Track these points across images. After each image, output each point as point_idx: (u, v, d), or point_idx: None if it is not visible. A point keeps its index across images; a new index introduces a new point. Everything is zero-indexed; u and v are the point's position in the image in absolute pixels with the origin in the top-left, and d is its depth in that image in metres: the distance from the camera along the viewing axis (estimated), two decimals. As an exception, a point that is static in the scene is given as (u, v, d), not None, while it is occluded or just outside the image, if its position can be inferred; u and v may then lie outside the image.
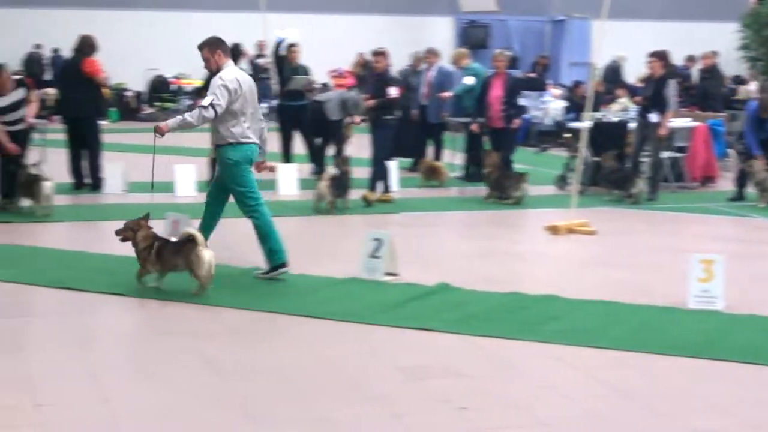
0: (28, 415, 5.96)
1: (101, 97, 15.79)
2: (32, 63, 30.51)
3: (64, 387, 6.52)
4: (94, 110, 14.95)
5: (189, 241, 8.96)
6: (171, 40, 31.56)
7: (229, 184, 9.82)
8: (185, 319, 8.28)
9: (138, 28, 31.12)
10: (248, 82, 9.77)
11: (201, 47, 9.82)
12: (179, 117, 9.85)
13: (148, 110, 30.18)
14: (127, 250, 10.63)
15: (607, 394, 6.58)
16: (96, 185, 15.09)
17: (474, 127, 16.10)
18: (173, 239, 9.34)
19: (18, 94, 13.02)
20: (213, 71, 9.87)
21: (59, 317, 8.26)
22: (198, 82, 27.16)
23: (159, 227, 10.72)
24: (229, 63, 9.84)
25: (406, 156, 17.78)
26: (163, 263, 9.05)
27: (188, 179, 14.99)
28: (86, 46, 15.29)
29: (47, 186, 12.75)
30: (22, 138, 13.05)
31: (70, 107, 15.11)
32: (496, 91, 15.28)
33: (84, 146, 15.03)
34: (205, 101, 9.47)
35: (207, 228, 9.82)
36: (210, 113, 9.42)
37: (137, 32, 30.85)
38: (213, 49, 9.78)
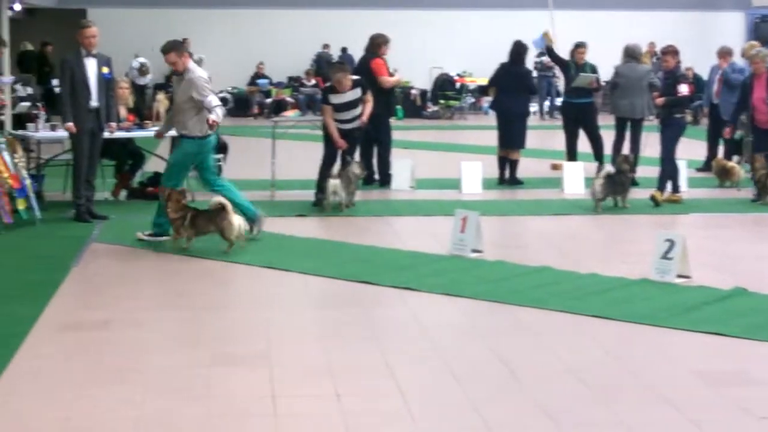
0: (328, 404, 6.16)
1: (392, 95, 16.11)
2: (321, 62, 31.54)
3: (361, 377, 6.73)
4: (384, 109, 15.14)
5: (221, 210, 10.28)
6: (456, 38, 31.96)
7: (170, 158, 11.45)
8: (473, 314, 8.36)
9: (424, 26, 31.63)
10: None
11: (167, 51, 10.91)
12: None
13: (432, 108, 30.64)
14: (415, 245, 10.90)
15: None
16: (385, 181, 15.45)
17: (726, 132, 15.43)
18: (205, 208, 10.67)
19: (355, 93, 13.46)
20: (180, 72, 11.00)
21: (354, 309, 8.50)
22: (482, 80, 27.46)
23: (448, 223, 10.93)
24: (191, 63, 11.11)
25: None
26: (196, 229, 10.47)
27: (475, 176, 15.10)
28: (374, 46, 15.63)
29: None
30: (352, 136, 13.52)
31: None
32: (759, 92, 14.59)
33: (375, 143, 15.39)
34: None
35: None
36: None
37: (423, 31, 31.38)
38: (180, 52, 10.98)
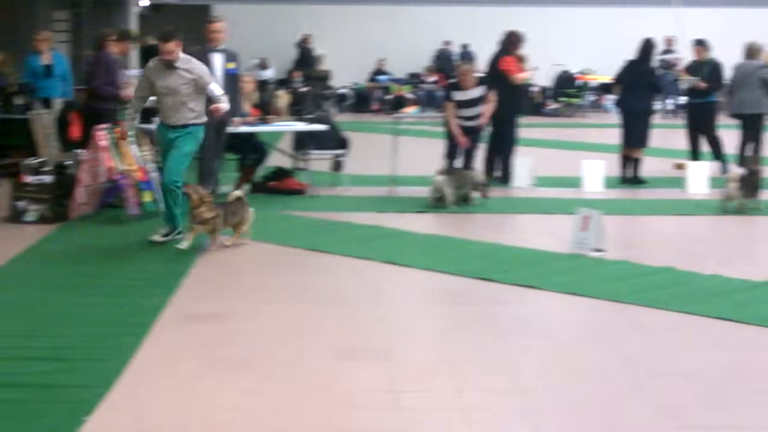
0: (448, 400, 6.17)
1: (519, 94, 15.91)
2: (442, 59, 31.56)
3: (482, 373, 6.72)
4: (509, 107, 14.96)
5: (239, 201, 10.60)
6: (577, 35, 31.68)
7: (189, 154, 10.73)
8: (594, 314, 8.30)
9: (545, 23, 31.42)
10: None
11: (169, 39, 10.45)
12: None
13: (552, 105, 30.44)
14: (536, 243, 10.84)
15: None
16: (506, 179, 15.38)
17: None
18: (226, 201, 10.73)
19: (478, 91, 13.44)
20: (172, 62, 10.53)
21: (474, 306, 8.49)
22: (605, 78, 27.18)
23: (568, 221, 10.85)
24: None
25: None
26: (227, 223, 10.51)
27: (596, 174, 14.96)
28: (509, 43, 15.54)
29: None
30: (473, 135, 13.51)
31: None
32: None
33: (500, 141, 15.32)
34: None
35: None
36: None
37: (544, 28, 31.14)
38: (179, 41, 10.54)
